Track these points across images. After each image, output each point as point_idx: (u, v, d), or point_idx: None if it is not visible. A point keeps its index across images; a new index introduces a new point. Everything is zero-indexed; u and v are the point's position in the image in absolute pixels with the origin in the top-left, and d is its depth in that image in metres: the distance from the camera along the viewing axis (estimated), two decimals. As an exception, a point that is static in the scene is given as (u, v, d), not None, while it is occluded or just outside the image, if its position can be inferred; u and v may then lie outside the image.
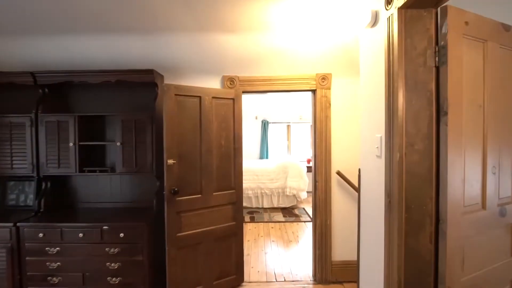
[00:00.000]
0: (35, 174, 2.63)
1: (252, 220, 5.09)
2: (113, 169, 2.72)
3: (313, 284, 2.95)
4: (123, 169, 2.63)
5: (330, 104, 2.86)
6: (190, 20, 2.59)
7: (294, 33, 2.66)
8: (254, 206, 5.78)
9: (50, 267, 2.36)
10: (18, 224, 2.38)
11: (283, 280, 3.03)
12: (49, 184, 2.71)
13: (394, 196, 1.47)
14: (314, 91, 2.91)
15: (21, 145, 2.63)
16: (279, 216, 5.26)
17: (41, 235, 2.36)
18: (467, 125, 1.42)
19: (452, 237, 1.39)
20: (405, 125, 1.39)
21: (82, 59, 2.81)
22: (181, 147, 2.48)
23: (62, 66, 2.79)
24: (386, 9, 1.51)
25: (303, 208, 5.71)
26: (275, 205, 5.78)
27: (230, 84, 2.86)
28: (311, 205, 3.04)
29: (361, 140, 1.97)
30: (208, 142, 2.62)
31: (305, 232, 4.48)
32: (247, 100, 7.02)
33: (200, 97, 2.58)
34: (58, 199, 2.81)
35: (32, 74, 2.61)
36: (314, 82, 2.86)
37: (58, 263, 2.36)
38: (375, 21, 1.66)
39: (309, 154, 7.44)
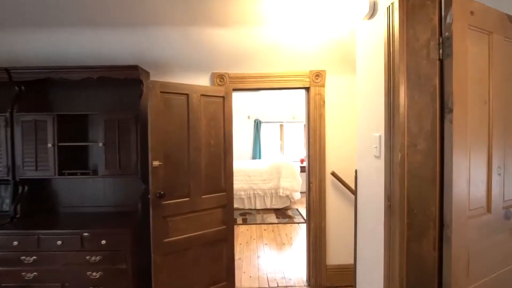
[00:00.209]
0: (10, 178, 2.45)
1: (245, 222, 4.96)
2: (95, 172, 2.56)
3: (307, 289, 2.85)
4: (106, 171, 2.47)
5: (324, 102, 2.75)
6: (178, 12, 2.45)
7: (287, 28, 2.55)
8: (246, 207, 5.65)
9: (26, 278, 2.19)
10: (-10, 231, 2.21)
11: (276, 285, 2.92)
12: (26, 188, 2.53)
13: (395, 199, 1.37)
14: (307, 89, 2.79)
15: (-5, 147, 2.45)
16: (272, 218, 5.15)
17: (15, 243, 2.19)
18: (472, 123, 1.32)
19: (457, 243, 1.29)
20: (407, 123, 1.28)
21: (62, 54, 2.64)
22: (167, 148, 2.34)
23: (40, 62, 2.62)
24: (386, -2, 1.40)
25: (297, 209, 5.61)
26: (268, 206, 5.66)
27: (220, 81, 2.73)
28: (304, 206, 2.94)
29: (357, 140, 1.87)
30: (196, 142, 2.48)
31: (299, 234, 4.37)
32: (239, 99, 6.89)
33: (187, 94, 2.44)
34: (36, 204, 2.63)
35: (7, 70, 2.43)
36: (308, 79, 2.75)
37: (35, 273, 2.20)
38: (373, 11, 1.55)
39: (303, 154, 7.35)
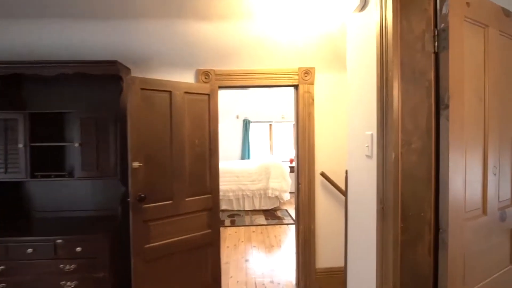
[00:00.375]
0: (-23, 181, 2.28)
1: (233, 223, 4.85)
2: (71, 174, 2.40)
3: (297, 293, 2.76)
4: (82, 173, 2.32)
5: (313, 100, 2.67)
6: (161, 5, 2.32)
7: (275, 23, 2.45)
8: (235, 208, 5.53)
9: (-7, 289, 2.03)
10: (-47, 239, 2.03)
11: (265, 290, 2.82)
12: (-5, 191, 2.36)
13: (388, 202, 1.28)
14: (296, 87, 2.70)
15: (-40, 147, 2.26)
16: (261, 219, 5.05)
17: (-19, 252, 2.02)
18: (468, 120, 1.25)
19: (453, 248, 1.22)
20: (401, 120, 1.20)
21: (36, 49, 2.47)
22: (148, 148, 2.20)
23: (12, 57, 2.44)
24: (378, -12, 1.32)
25: (286, 210, 5.53)
26: (257, 207, 5.56)
27: (205, 78, 2.61)
28: (294, 206, 2.86)
29: (348, 138, 1.78)
30: (180, 142, 2.36)
31: (288, 235, 4.29)
32: (227, 99, 6.76)
33: (170, 92, 2.31)
34: (7, 209, 2.45)
35: (-26, 65, 2.25)
36: (297, 77, 2.66)
37: (3, 284, 2.03)
38: (364, 3, 1.47)
39: (292, 154, 7.28)
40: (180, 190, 2.36)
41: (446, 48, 1.17)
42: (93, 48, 2.50)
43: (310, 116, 2.67)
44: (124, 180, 2.31)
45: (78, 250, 2.06)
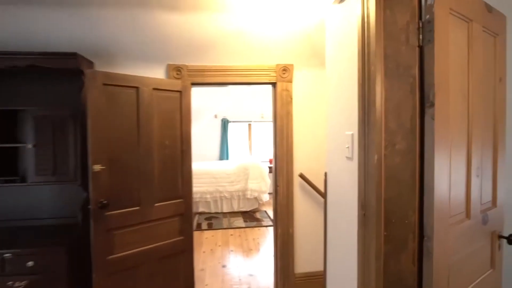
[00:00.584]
0: None
1: (210, 227, 4.67)
2: (24, 179, 2.15)
3: (275, 300, 2.64)
4: (37, 178, 2.08)
5: (291, 98, 2.56)
6: (125, -7, 2.13)
7: (252, 16, 2.31)
8: (212, 211, 5.35)
9: None
10: None
11: (242, 298, 2.68)
12: None
13: (370, 208, 1.18)
14: (274, 84, 2.58)
15: None
16: (239, 221, 4.90)
17: None
18: (453, 119, 1.17)
19: (438, 256, 1.14)
20: (384, 119, 1.10)
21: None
22: (112, 150, 2.01)
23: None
24: (359, -24, 1.22)
25: (265, 211, 5.42)
26: (235, 209, 5.41)
27: (177, 74, 2.43)
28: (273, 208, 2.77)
29: (327, 139, 1.68)
30: (148, 143, 2.17)
31: (267, 238, 4.17)
32: (204, 97, 6.55)
33: (137, 88, 2.12)
34: None
35: None
36: (274, 74, 2.54)
37: None
38: (344, -7, 1.36)
39: (272, 154, 7.18)
40: (149, 195, 2.18)
41: (431, 41, 1.08)
42: (52, 39, 2.26)
43: (288, 115, 2.56)
44: (85, 185, 2.09)
45: (30, 265, 1.83)
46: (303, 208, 2.64)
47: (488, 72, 1.39)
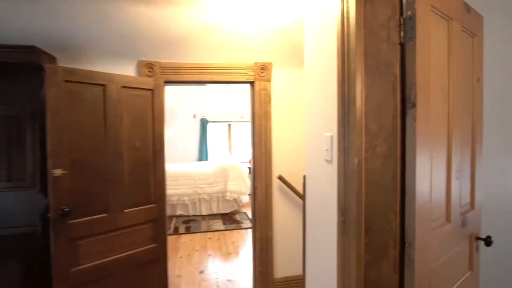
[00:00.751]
0: None
1: (188, 230, 4.52)
2: (-25, 184, 1.94)
3: (254, 307, 2.55)
4: (-11, 183, 1.88)
5: (270, 98, 2.48)
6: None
7: (229, 12, 2.21)
8: (191, 214, 5.19)
9: None
10: None
11: (219, 305, 2.58)
12: None
13: (350, 214, 1.12)
14: (252, 83, 2.50)
15: None
16: (218, 224, 4.78)
17: None
18: (434, 120, 1.13)
19: (420, 263, 1.09)
20: (365, 120, 1.04)
21: None
22: (76, 152, 1.85)
23: None
24: (338, -32, 1.15)
25: (245, 213, 5.32)
26: (215, 212, 5.28)
27: (149, 71, 2.29)
28: (251, 213, 2.69)
29: (306, 140, 1.61)
30: (117, 144, 2.02)
31: (247, 240, 4.08)
32: (183, 96, 6.38)
33: (104, 85, 1.97)
34: None
35: None
36: (252, 73, 2.45)
37: None
38: (323, -13, 1.30)
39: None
40: (118, 200, 2.03)
41: (413, 38, 1.03)
42: (9, 31, 2.06)
43: (267, 115, 2.48)
44: (45, 191, 1.91)
45: (-22, 282, 1.64)
46: (283, 211, 2.57)
47: (466, 73, 1.37)
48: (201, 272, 3.20)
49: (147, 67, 2.28)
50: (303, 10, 1.68)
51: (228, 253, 3.68)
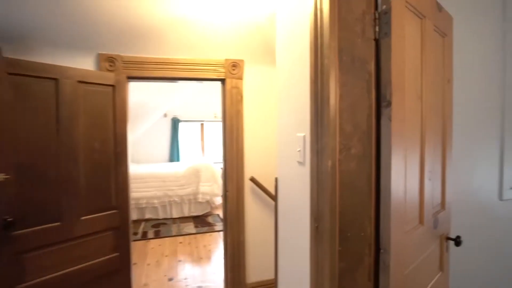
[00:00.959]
0: None
1: (157, 235, 4.31)
2: None
3: (226, 314, 2.45)
4: None
5: (242, 97, 2.39)
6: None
7: (199, 3, 2.09)
8: (161, 217, 4.97)
9: None
10: None
11: (189, 315, 2.44)
12: None
13: (324, 220, 1.05)
14: (223, 81, 2.39)
15: None
16: (190, 227, 4.61)
17: None
18: (408, 120, 1.09)
19: (395, 268, 1.04)
20: (339, 120, 0.97)
21: None
22: (22, 155, 1.64)
23: None
24: (311, -43, 1.08)
25: (218, 215, 5.19)
26: (186, 214, 5.10)
27: (110, 65, 2.11)
28: (223, 217, 2.58)
29: (278, 141, 1.53)
30: (71, 145, 1.83)
31: (219, 244, 3.96)
32: (152, 94, 6.10)
33: (57, 79, 1.77)
34: None
35: None
36: (223, 70, 2.34)
37: None
38: (295, -22, 1.22)
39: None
40: (73, 207, 1.84)
41: (388, 34, 0.98)
42: None
43: (238, 114, 2.38)
44: (-14, 199, 1.68)
45: None
46: (255, 214, 2.48)
47: (437, 73, 1.35)
48: (170, 279, 3.04)
49: (108, 61, 2.10)
50: (275, 3, 1.60)
51: (199, 258, 3.54)
